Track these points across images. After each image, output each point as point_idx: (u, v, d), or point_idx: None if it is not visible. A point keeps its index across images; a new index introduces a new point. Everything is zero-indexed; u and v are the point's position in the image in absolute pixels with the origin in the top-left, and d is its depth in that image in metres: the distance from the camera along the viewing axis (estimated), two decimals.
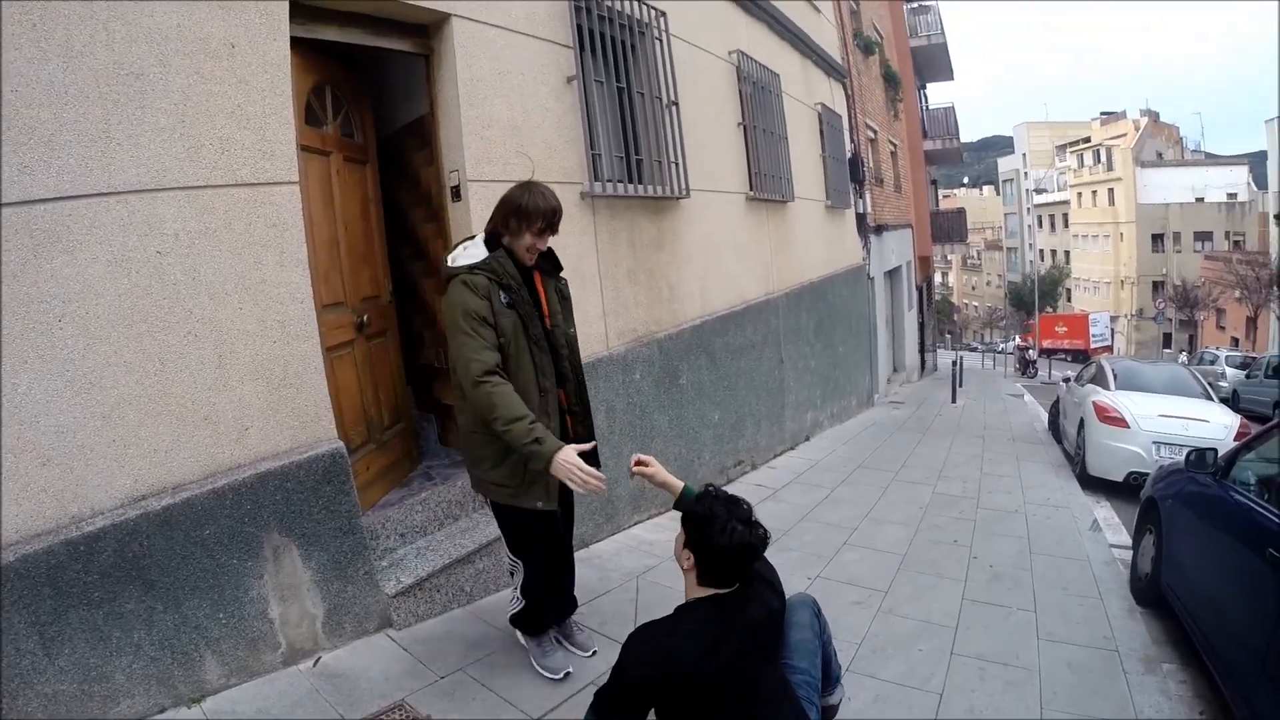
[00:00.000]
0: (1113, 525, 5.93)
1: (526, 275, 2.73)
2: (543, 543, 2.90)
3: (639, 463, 2.60)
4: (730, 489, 5.79)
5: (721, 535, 2.05)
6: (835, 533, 5.14)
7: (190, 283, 2.76)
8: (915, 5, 21.81)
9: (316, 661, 3.01)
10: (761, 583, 2.24)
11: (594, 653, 3.19)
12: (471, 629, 3.41)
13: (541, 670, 3.02)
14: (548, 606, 3.09)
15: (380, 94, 4.47)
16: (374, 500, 3.81)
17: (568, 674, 2.99)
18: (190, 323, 2.76)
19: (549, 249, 2.83)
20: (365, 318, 3.83)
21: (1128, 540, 5.20)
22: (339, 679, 2.91)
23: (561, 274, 2.96)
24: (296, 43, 3.19)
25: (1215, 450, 3.89)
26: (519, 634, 3.17)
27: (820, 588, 4.07)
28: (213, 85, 2.80)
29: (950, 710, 2.95)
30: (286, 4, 3.04)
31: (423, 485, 4.09)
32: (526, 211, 2.63)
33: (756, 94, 7.45)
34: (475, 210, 3.90)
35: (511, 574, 3.01)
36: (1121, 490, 7.01)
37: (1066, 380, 10.67)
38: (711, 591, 2.12)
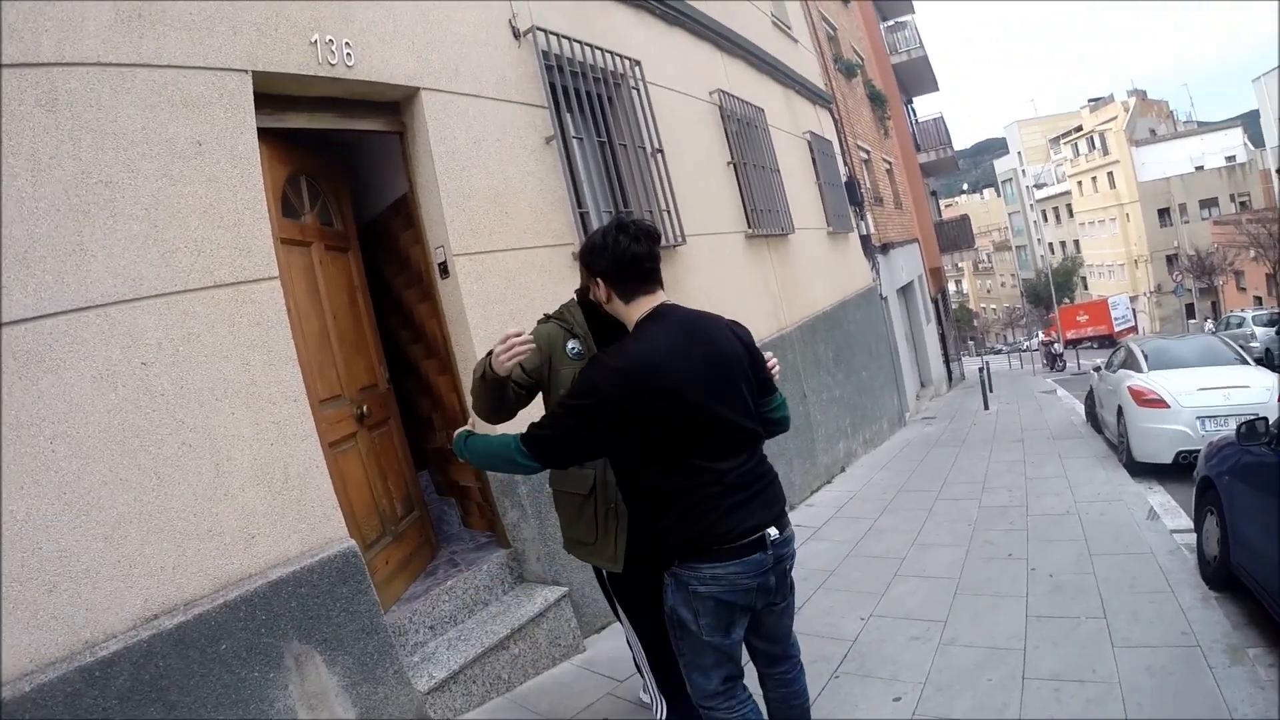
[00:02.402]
0: (1170, 510, 5.73)
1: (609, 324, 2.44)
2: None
3: None
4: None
5: (603, 245, 2.13)
6: (884, 565, 5.00)
7: (178, 392, 2.75)
8: (892, 23, 22.23)
9: None
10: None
11: None
12: (512, 718, 3.31)
13: None
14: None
15: (361, 177, 4.55)
16: (398, 594, 3.74)
17: None
18: (183, 433, 2.75)
19: None
20: (365, 408, 3.82)
21: (1188, 524, 4.99)
22: None
23: None
24: (267, 134, 3.26)
25: (1265, 419, 3.78)
26: None
27: (875, 627, 3.93)
28: (182, 186, 2.84)
29: None
30: (251, 96, 3.10)
31: (448, 573, 4.02)
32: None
33: (743, 130, 7.53)
34: (465, 285, 3.92)
35: (638, 665, 2.80)
36: (1173, 472, 6.84)
37: (1097, 369, 10.49)
38: (646, 305, 2.13)
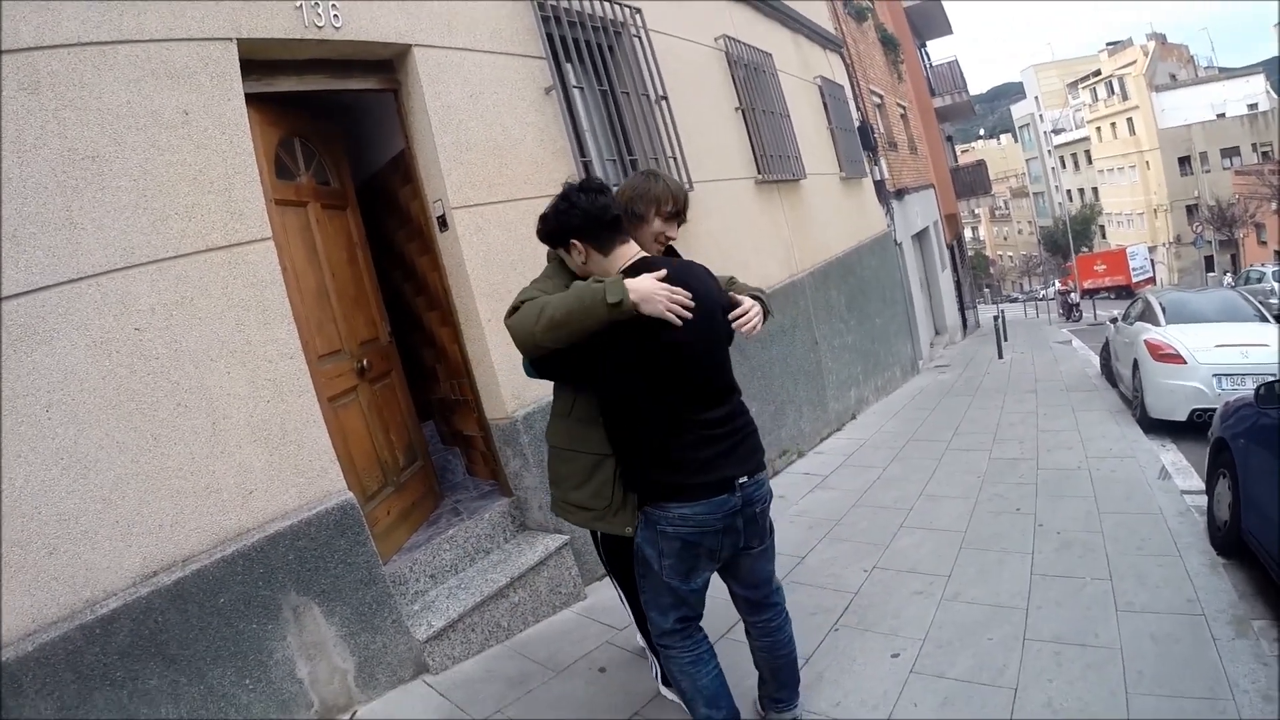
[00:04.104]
0: (1182, 470, 5.63)
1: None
2: None
3: None
4: (779, 481, 5.78)
5: (570, 205, 2.14)
6: (890, 515, 4.94)
7: (173, 355, 2.77)
8: None
9: (352, 716, 3.01)
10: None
11: None
12: (511, 666, 3.36)
13: None
14: None
15: (361, 135, 4.47)
16: (400, 543, 3.79)
17: None
18: (178, 394, 2.78)
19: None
20: (365, 362, 3.82)
21: (1200, 485, 4.90)
22: None
23: None
24: (256, 99, 3.21)
25: None
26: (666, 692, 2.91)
27: (879, 580, 3.91)
28: (170, 155, 2.82)
29: (1027, 707, 2.72)
30: (237, 63, 3.04)
31: (450, 522, 4.05)
32: (654, 195, 2.38)
33: (750, 76, 7.30)
34: (465, 237, 3.87)
35: (640, 633, 2.80)
36: (1187, 430, 6.69)
37: (1113, 320, 10.24)
38: (625, 255, 2.15)
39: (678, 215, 2.44)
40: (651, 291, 1.99)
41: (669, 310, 1.99)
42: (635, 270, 2.08)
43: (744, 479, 2.15)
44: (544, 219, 2.21)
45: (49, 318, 2.52)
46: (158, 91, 2.79)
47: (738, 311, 2.27)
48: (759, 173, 7.10)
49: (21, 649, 2.36)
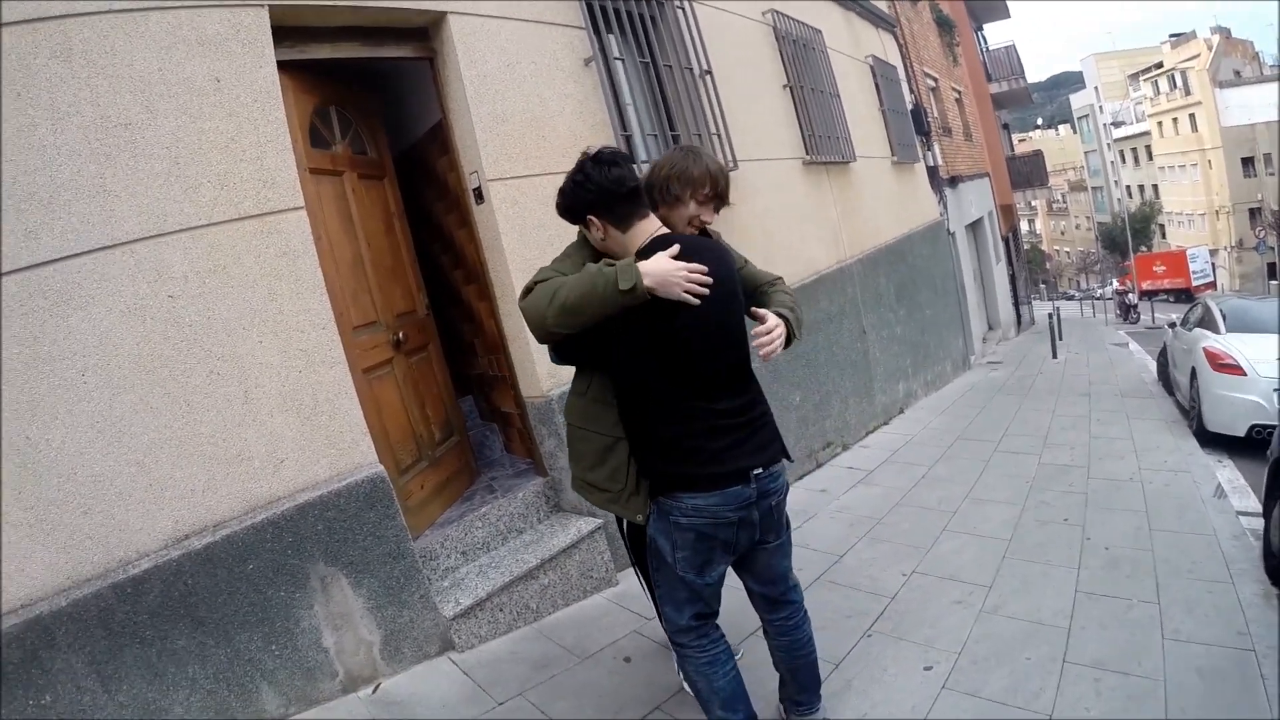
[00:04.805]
0: (1239, 489, 5.27)
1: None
2: None
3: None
4: (821, 474, 5.70)
5: (584, 179, 2.05)
6: (933, 518, 4.76)
7: (205, 322, 2.79)
8: None
9: (376, 688, 3.01)
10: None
11: (740, 655, 2.89)
12: (536, 649, 3.32)
13: None
14: None
15: (400, 104, 4.45)
16: (433, 518, 3.78)
17: None
18: (211, 361, 2.79)
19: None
20: (401, 334, 3.80)
21: (1257, 507, 4.58)
22: (395, 705, 2.90)
23: None
24: (290, 66, 3.19)
25: None
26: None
27: (917, 585, 3.76)
28: (202, 123, 2.82)
29: None
30: (269, 30, 3.03)
31: (484, 499, 4.03)
32: (691, 176, 2.23)
33: (799, 53, 7.11)
34: (500, 210, 3.82)
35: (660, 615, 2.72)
36: (1245, 446, 6.31)
37: (1172, 325, 9.76)
38: (645, 231, 2.06)
39: (716, 199, 2.29)
40: (667, 273, 1.89)
41: (687, 291, 1.90)
42: (652, 248, 1.99)
43: (759, 470, 2.06)
44: (561, 193, 2.12)
45: (84, 283, 2.55)
46: (189, 59, 2.79)
47: (759, 329, 2.14)
48: (807, 153, 6.91)
49: (55, 604, 2.42)
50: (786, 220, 6.35)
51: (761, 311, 2.17)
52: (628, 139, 4.57)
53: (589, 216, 2.08)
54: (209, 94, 2.82)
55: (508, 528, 3.89)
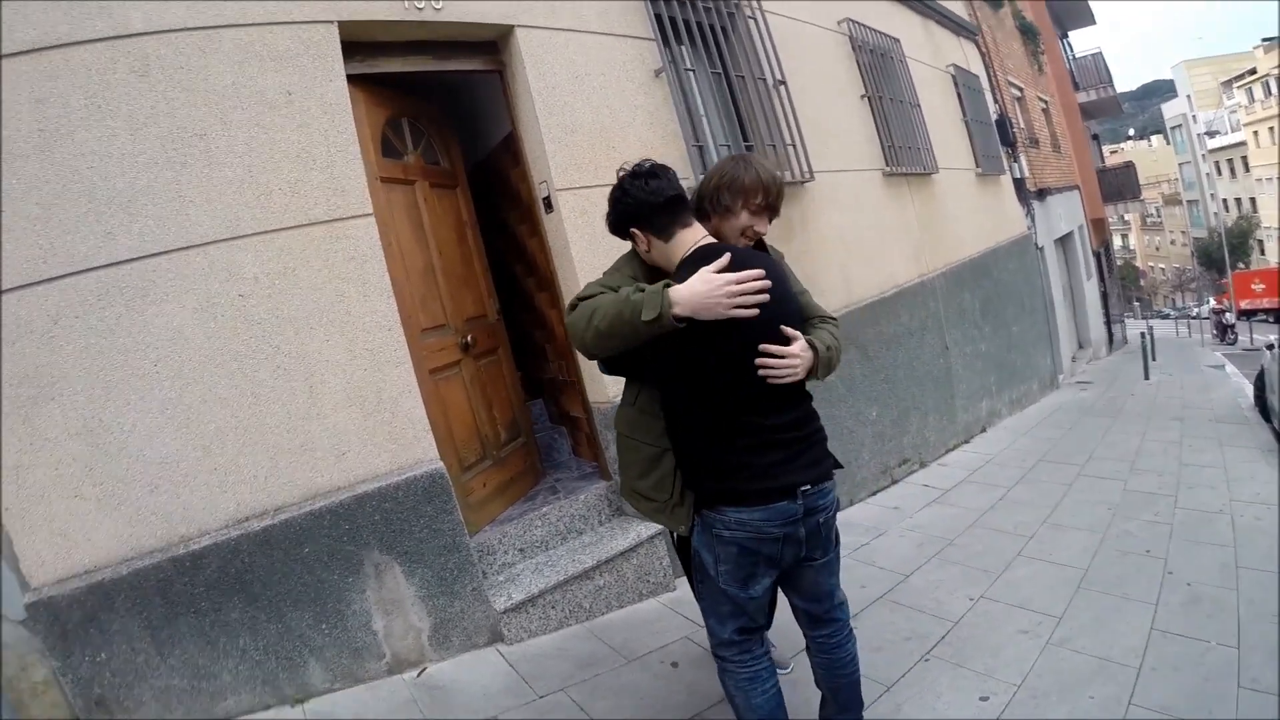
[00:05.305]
0: None
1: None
2: None
3: None
4: (895, 491, 5.42)
5: (624, 192, 1.96)
6: (1008, 541, 4.39)
7: (274, 320, 2.82)
8: None
9: (421, 672, 2.98)
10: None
11: (790, 670, 2.81)
12: (584, 647, 3.22)
13: None
14: None
15: (475, 116, 4.44)
16: (494, 515, 3.74)
17: None
18: (278, 358, 2.82)
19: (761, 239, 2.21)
20: (470, 338, 3.78)
21: None
22: (438, 691, 2.85)
23: None
24: (361, 80, 3.23)
25: None
26: None
27: (983, 611, 3.46)
28: (274, 134, 2.86)
29: None
30: (339, 45, 3.05)
31: (547, 499, 3.97)
32: (742, 185, 2.06)
33: (877, 62, 6.79)
34: (569, 219, 3.76)
35: None
36: None
37: (1270, 347, 8.78)
38: (688, 240, 1.93)
39: (769, 209, 2.11)
40: (707, 295, 1.72)
41: (736, 307, 1.74)
42: (694, 259, 1.86)
43: (807, 487, 1.89)
44: (610, 215, 2.03)
45: (160, 281, 2.62)
46: (261, 73, 2.84)
47: (774, 349, 1.84)
48: (887, 164, 6.58)
49: (117, 571, 2.51)
50: (865, 232, 6.06)
51: (791, 332, 1.89)
52: (700, 149, 4.42)
53: (631, 229, 1.99)
54: (281, 106, 2.87)
55: (567, 528, 3.80)
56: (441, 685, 2.88)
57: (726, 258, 1.79)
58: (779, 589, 2.16)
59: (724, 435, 1.86)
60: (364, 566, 2.88)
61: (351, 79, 3.09)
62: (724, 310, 1.73)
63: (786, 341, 1.86)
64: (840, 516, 4.83)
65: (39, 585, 2.46)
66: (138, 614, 2.52)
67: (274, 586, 2.72)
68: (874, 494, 5.43)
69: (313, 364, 2.87)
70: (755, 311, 1.76)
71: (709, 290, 1.72)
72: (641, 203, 1.92)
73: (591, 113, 3.92)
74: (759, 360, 1.83)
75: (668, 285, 1.76)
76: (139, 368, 2.56)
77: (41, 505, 2.47)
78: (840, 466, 2.05)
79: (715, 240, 1.97)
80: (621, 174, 1.98)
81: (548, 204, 3.83)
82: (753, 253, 2.02)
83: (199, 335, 2.66)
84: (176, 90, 2.66)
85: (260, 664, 2.70)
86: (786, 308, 1.94)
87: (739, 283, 1.74)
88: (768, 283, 1.78)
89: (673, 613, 3.50)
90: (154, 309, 2.59)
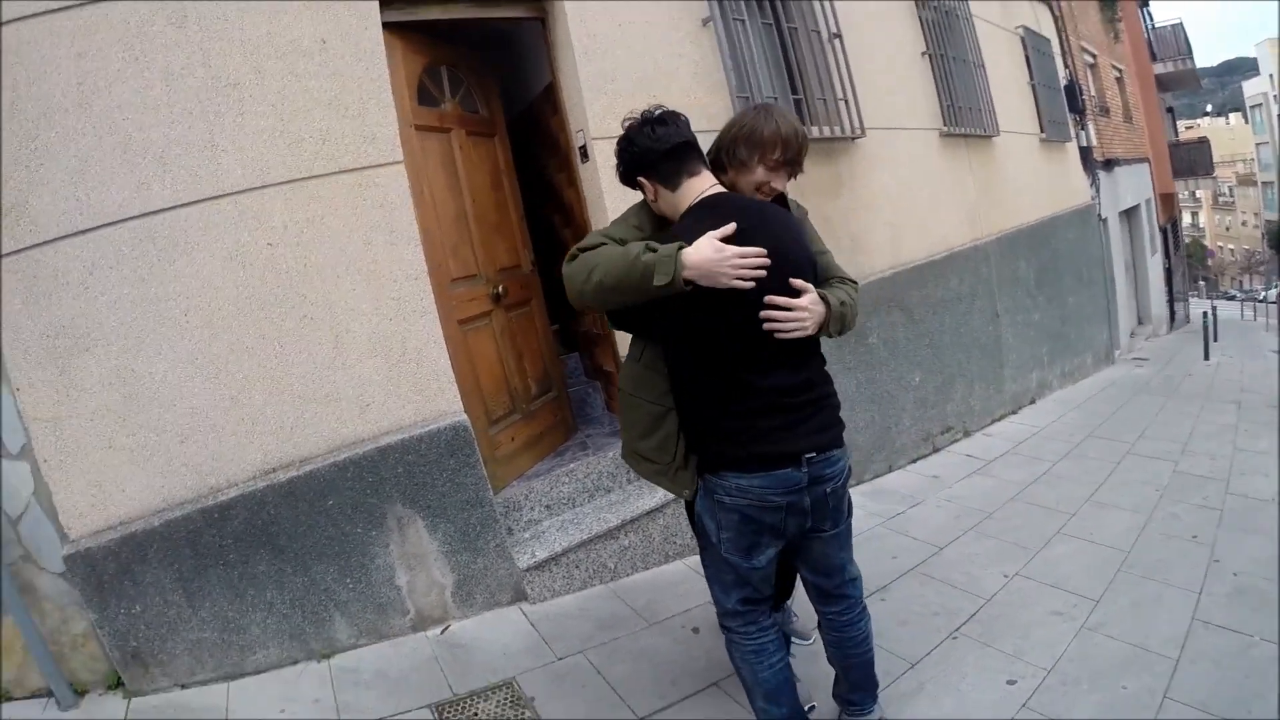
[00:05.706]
0: None
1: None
2: None
3: None
4: (936, 459, 5.27)
5: (631, 140, 1.90)
6: (1048, 518, 4.22)
7: (302, 269, 2.80)
8: None
9: (445, 629, 3.00)
10: None
11: (813, 640, 2.70)
12: (606, 608, 3.20)
13: None
14: None
15: (517, 66, 4.33)
16: (521, 470, 3.72)
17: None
18: (305, 307, 2.81)
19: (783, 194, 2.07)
20: (502, 288, 3.72)
21: None
22: (460, 649, 2.87)
23: None
24: (399, 27, 3.14)
25: None
26: None
27: (1017, 589, 3.34)
28: (307, 82, 2.81)
29: None
30: None
31: (576, 455, 3.92)
32: (761, 138, 1.90)
33: (940, 19, 6.44)
34: (604, 168, 3.61)
35: None
36: None
37: None
38: (695, 189, 1.86)
39: (789, 164, 1.95)
40: (713, 264, 1.66)
41: (737, 279, 1.68)
42: (699, 211, 1.80)
43: (813, 454, 1.80)
44: (619, 162, 1.96)
45: (190, 231, 2.62)
46: (297, 22, 2.79)
47: (781, 299, 1.74)
48: (945, 124, 6.27)
49: (150, 523, 2.54)
50: (917, 192, 5.81)
51: (800, 284, 1.78)
52: (746, 100, 4.24)
53: (638, 178, 1.91)
54: (315, 55, 2.81)
55: (595, 485, 3.76)
56: (462, 644, 2.89)
57: (732, 226, 1.70)
58: (793, 563, 2.10)
59: (725, 396, 1.80)
60: (387, 520, 2.89)
61: (388, 26, 3.01)
62: (726, 281, 1.67)
63: (796, 295, 1.77)
64: (877, 483, 4.89)
65: (76, 537, 2.51)
66: (169, 566, 2.56)
67: (299, 539, 2.74)
68: (914, 461, 5.30)
69: (339, 313, 2.85)
70: (753, 285, 1.68)
71: (719, 259, 1.67)
72: (647, 149, 1.85)
73: (634, 61, 3.78)
74: (764, 313, 1.73)
75: (682, 248, 1.68)
76: (170, 317, 2.57)
77: (78, 457, 2.51)
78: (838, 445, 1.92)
79: (724, 191, 1.88)
80: (628, 123, 1.91)
81: (584, 153, 3.73)
82: (767, 205, 1.92)
83: (228, 284, 2.65)
84: (213, 40, 2.62)
85: (287, 617, 2.74)
86: (797, 258, 1.84)
87: (743, 257, 1.67)
88: (767, 260, 1.70)
89: (697, 575, 3.40)
90: (185, 259, 2.59)
